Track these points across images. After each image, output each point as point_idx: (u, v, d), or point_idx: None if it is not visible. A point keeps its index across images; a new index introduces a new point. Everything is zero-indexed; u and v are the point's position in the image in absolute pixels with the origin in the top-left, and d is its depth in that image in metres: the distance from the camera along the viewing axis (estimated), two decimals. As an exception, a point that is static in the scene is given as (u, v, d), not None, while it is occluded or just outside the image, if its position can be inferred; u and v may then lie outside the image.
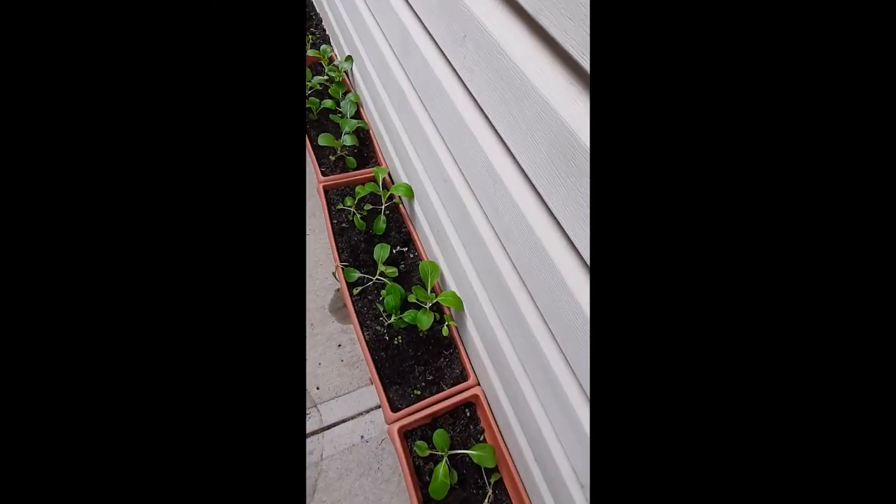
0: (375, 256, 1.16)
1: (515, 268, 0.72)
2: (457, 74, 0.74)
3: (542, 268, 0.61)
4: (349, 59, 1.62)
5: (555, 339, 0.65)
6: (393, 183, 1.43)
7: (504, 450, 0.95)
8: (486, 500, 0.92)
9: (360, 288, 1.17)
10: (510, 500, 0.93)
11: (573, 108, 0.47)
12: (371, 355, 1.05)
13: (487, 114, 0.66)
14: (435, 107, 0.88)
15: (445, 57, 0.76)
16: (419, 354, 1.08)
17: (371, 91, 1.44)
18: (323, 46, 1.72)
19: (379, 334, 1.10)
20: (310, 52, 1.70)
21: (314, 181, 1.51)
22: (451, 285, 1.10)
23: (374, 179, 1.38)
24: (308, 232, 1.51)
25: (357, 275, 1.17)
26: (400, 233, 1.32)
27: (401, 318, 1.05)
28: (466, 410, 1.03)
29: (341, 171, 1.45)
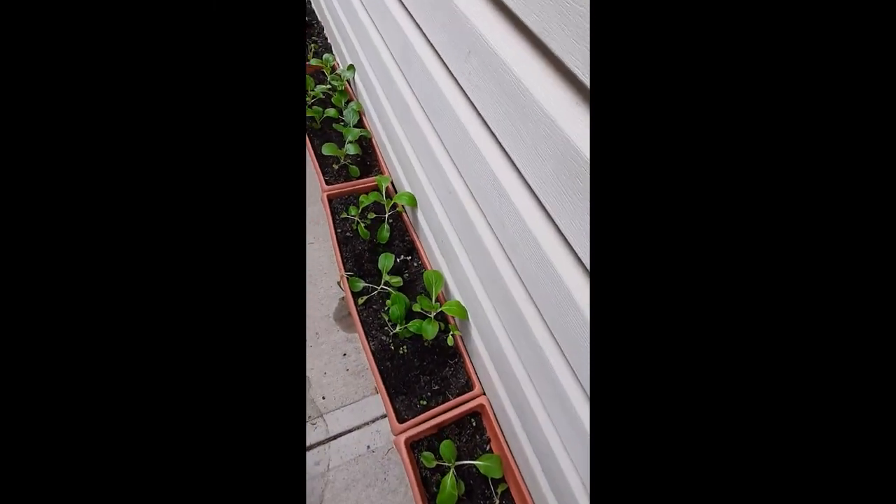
0: (380, 266, 1.16)
1: (521, 280, 0.73)
2: (461, 88, 0.75)
3: (548, 282, 0.61)
4: (351, 68, 1.63)
5: (563, 352, 0.65)
6: (396, 191, 1.43)
7: (511, 460, 0.95)
8: (493, 511, 0.92)
9: (365, 297, 1.18)
10: (517, 510, 0.93)
11: (579, 128, 0.47)
12: (377, 365, 1.05)
13: (493, 129, 0.67)
14: (439, 119, 0.89)
15: (449, 71, 0.77)
16: (424, 364, 1.08)
17: (373, 100, 1.45)
18: (325, 55, 1.73)
19: (384, 344, 1.10)
20: (312, 62, 1.72)
21: (318, 190, 1.52)
22: (456, 294, 1.10)
23: (377, 188, 1.39)
24: (312, 240, 1.52)
25: (362, 284, 1.17)
26: (403, 241, 1.33)
27: (406, 327, 1.05)
28: (472, 420, 1.03)
29: (345, 180, 1.46)
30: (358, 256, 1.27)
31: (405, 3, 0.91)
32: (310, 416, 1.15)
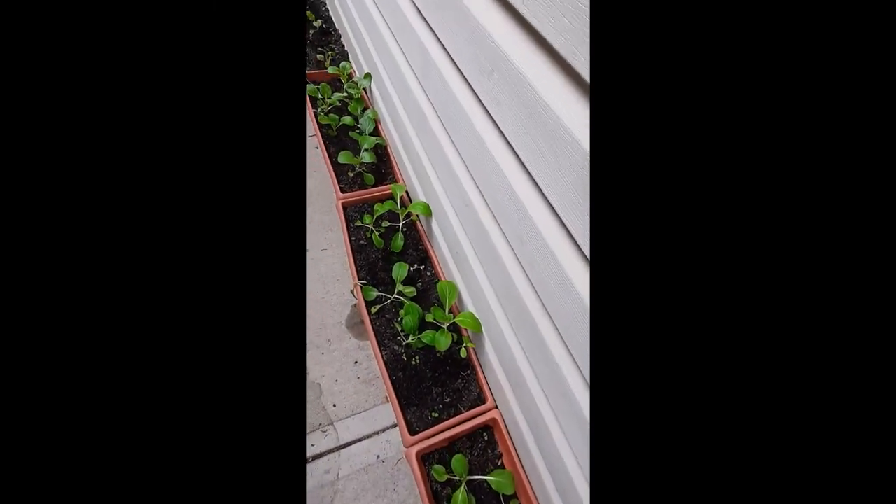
0: (394, 275, 1.16)
1: (538, 296, 0.72)
2: (481, 103, 0.75)
3: (567, 299, 0.60)
4: (368, 76, 1.65)
5: (580, 370, 0.64)
6: (410, 200, 1.44)
7: (522, 476, 0.94)
8: (504, 528, 0.90)
9: (378, 307, 1.18)
10: (529, 528, 0.92)
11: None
12: (389, 376, 1.05)
13: (512, 143, 0.66)
14: (457, 132, 0.89)
15: (470, 86, 0.77)
16: (437, 375, 1.07)
17: (390, 109, 1.46)
18: (342, 63, 1.75)
19: (397, 354, 1.10)
20: (329, 69, 1.74)
21: (333, 197, 1.53)
22: (469, 306, 1.09)
23: (391, 196, 1.39)
24: (325, 246, 1.53)
25: (375, 293, 1.18)
26: (417, 250, 1.33)
27: (419, 338, 1.05)
28: (484, 434, 1.02)
29: (359, 188, 1.47)
30: (372, 265, 1.28)
31: (426, 16, 0.92)
32: (320, 424, 1.15)
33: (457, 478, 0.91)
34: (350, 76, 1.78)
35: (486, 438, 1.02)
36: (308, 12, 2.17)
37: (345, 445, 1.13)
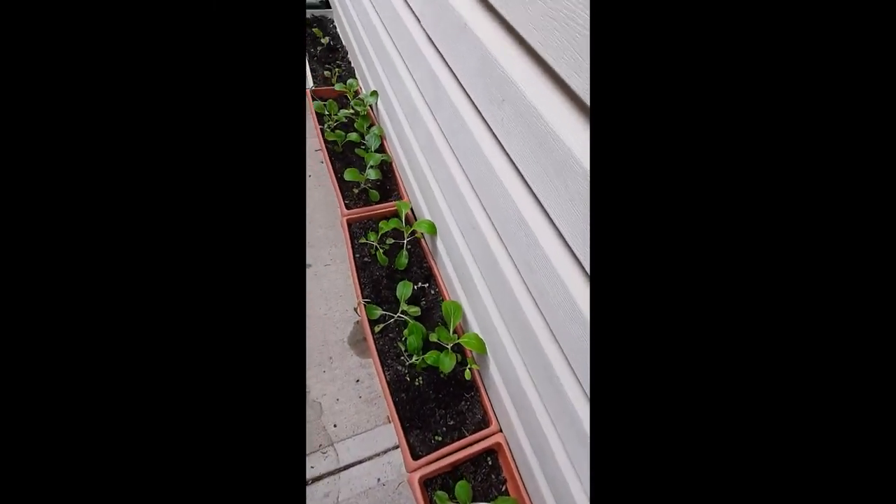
0: (398, 294, 1.16)
1: (547, 324, 0.71)
2: (491, 130, 0.75)
3: (577, 330, 0.60)
4: (374, 93, 1.67)
5: (588, 398, 0.64)
6: (415, 216, 1.44)
7: (527, 502, 0.92)
8: (508, 558, 0.88)
9: (381, 325, 1.17)
10: (533, 558, 0.89)
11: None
12: (392, 397, 1.04)
13: (522, 172, 0.67)
14: (465, 155, 0.90)
15: (479, 112, 0.78)
16: (440, 397, 1.06)
17: (396, 127, 1.47)
18: (349, 81, 1.78)
19: (400, 374, 1.09)
20: (336, 86, 1.76)
21: (338, 213, 1.53)
22: (474, 327, 1.09)
23: (396, 213, 1.40)
24: (329, 261, 1.53)
25: (379, 312, 1.17)
26: (421, 268, 1.33)
27: (423, 358, 1.04)
28: (488, 458, 1.01)
29: (364, 204, 1.47)
30: (376, 282, 1.27)
31: (436, 43, 0.93)
32: (320, 445, 1.13)
33: (460, 505, 0.89)
34: (356, 93, 1.80)
35: (489, 463, 1.00)
36: (316, 29, 2.21)
37: (345, 468, 1.11)
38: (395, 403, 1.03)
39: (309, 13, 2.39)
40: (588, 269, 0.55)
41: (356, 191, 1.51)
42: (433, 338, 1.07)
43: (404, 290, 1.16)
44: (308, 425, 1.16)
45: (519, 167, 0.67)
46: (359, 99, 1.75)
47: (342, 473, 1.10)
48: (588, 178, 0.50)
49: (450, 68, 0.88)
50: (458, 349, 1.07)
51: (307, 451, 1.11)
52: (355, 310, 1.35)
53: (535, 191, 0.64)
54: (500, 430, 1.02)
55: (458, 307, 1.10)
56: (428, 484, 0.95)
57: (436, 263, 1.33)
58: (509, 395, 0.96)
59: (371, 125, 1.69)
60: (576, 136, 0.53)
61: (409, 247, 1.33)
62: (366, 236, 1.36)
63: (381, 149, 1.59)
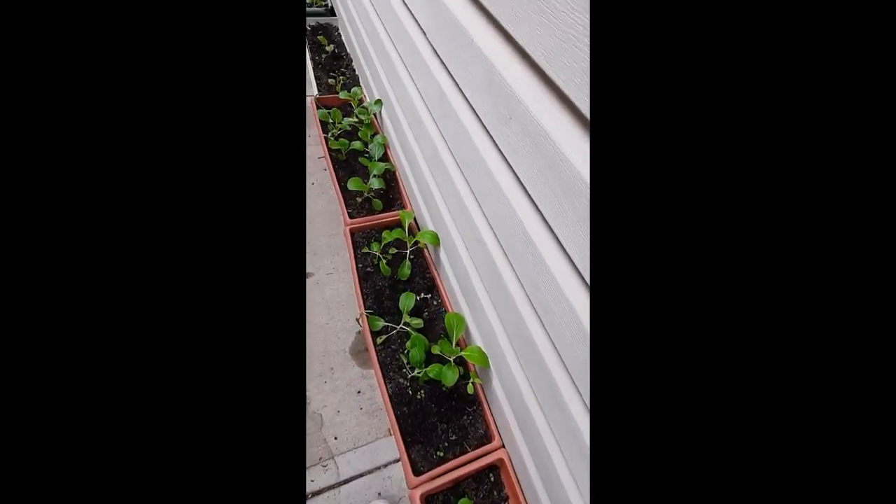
0: (400, 306, 1.15)
1: (553, 343, 0.71)
2: (497, 147, 0.75)
3: (585, 351, 0.59)
4: (378, 102, 1.67)
5: (590, 417, 0.63)
6: (418, 226, 1.44)
7: (530, 521, 0.91)
8: (510, 578, 0.87)
9: (383, 337, 1.17)
10: (536, 578, 0.88)
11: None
12: (394, 410, 1.03)
13: (530, 192, 0.67)
14: (470, 170, 0.89)
15: (486, 128, 0.78)
16: (442, 411, 1.05)
17: (400, 136, 1.47)
18: (353, 89, 1.78)
19: (402, 387, 1.08)
20: (341, 95, 1.77)
21: (341, 220, 1.53)
22: (477, 340, 1.08)
23: (399, 223, 1.39)
24: (331, 270, 1.52)
25: (381, 323, 1.16)
26: (424, 278, 1.32)
27: (425, 372, 1.03)
28: (490, 475, 1.00)
29: (367, 213, 1.47)
30: (378, 293, 1.27)
31: (441, 55, 0.93)
32: (321, 458, 1.12)
33: (462, 523, 0.88)
34: (361, 101, 1.80)
35: (492, 479, 0.99)
36: (321, 37, 2.22)
37: (345, 482, 1.09)
38: (397, 417, 1.02)
39: (314, 21, 2.40)
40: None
41: (359, 199, 1.51)
42: (435, 350, 1.07)
43: (407, 301, 1.15)
44: (308, 437, 1.15)
45: (526, 186, 0.67)
46: (363, 107, 1.75)
47: (342, 487, 1.09)
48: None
49: (455, 82, 0.88)
50: (461, 362, 1.06)
51: (307, 465, 1.10)
52: (357, 320, 1.34)
53: (542, 210, 0.64)
54: (503, 446, 1.01)
55: (460, 319, 1.09)
56: (429, 500, 0.94)
57: (438, 274, 1.32)
58: (512, 410, 0.95)
59: (375, 134, 1.69)
60: (584, 157, 0.52)
61: (411, 257, 1.33)
62: (368, 246, 1.35)
63: (385, 157, 1.59)
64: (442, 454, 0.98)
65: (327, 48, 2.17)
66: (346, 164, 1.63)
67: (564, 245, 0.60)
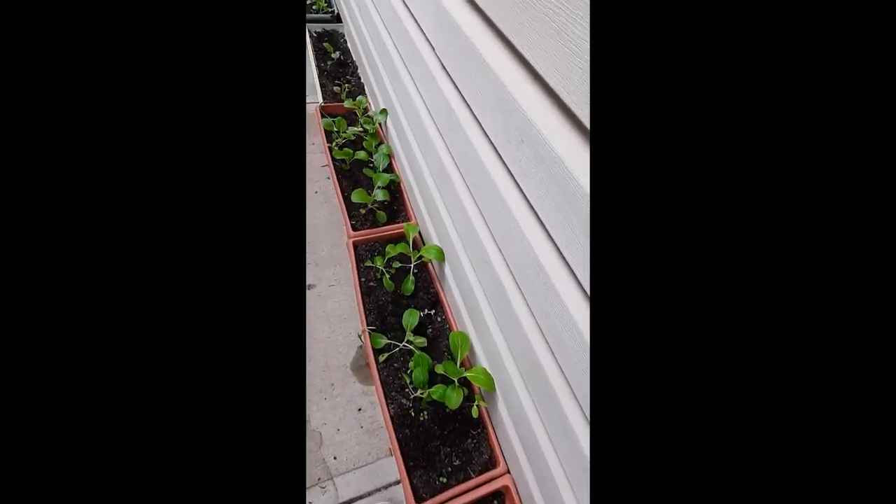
0: (404, 323, 1.13)
1: (563, 372, 0.68)
2: (508, 169, 0.73)
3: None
4: (384, 111, 1.66)
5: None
6: (423, 240, 1.42)
7: (535, 553, 0.88)
8: None
9: (386, 355, 1.14)
10: None
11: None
12: (395, 433, 1.00)
13: (542, 218, 0.64)
14: (479, 190, 0.87)
15: (496, 149, 0.75)
16: (445, 433, 1.02)
17: (405, 147, 1.45)
18: (359, 97, 1.76)
19: (404, 408, 1.05)
20: (346, 103, 1.75)
21: (343, 231, 1.51)
22: (483, 360, 1.05)
23: (403, 236, 1.37)
24: (333, 282, 1.50)
25: (384, 341, 1.14)
26: (428, 293, 1.30)
27: (428, 393, 1.00)
28: (495, 502, 0.96)
29: (371, 226, 1.45)
30: (381, 308, 1.24)
31: (450, 71, 0.91)
32: (319, 479, 1.09)
33: (465, 554, 0.85)
34: (366, 110, 1.78)
35: (496, 507, 0.96)
36: (326, 44, 2.21)
37: (344, 504, 1.07)
38: (399, 440, 0.99)
39: (319, 27, 2.40)
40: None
41: (363, 211, 1.49)
42: (439, 369, 1.04)
43: (411, 318, 1.12)
44: (307, 457, 1.12)
45: (537, 211, 0.64)
46: (368, 116, 1.73)
47: (341, 510, 1.06)
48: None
49: (464, 100, 0.86)
50: (465, 382, 1.03)
51: (306, 486, 1.07)
52: (359, 336, 1.31)
53: (554, 238, 0.61)
54: (508, 472, 0.98)
55: (465, 338, 1.06)
56: (431, 528, 0.91)
57: (443, 289, 1.29)
58: (518, 436, 0.92)
59: (380, 143, 1.67)
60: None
61: (415, 271, 1.30)
62: (372, 259, 1.33)
63: (390, 168, 1.57)
64: (445, 480, 0.95)
65: (333, 55, 2.16)
66: (350, 174, 1.61)
67: (577, 275, 0.57)
